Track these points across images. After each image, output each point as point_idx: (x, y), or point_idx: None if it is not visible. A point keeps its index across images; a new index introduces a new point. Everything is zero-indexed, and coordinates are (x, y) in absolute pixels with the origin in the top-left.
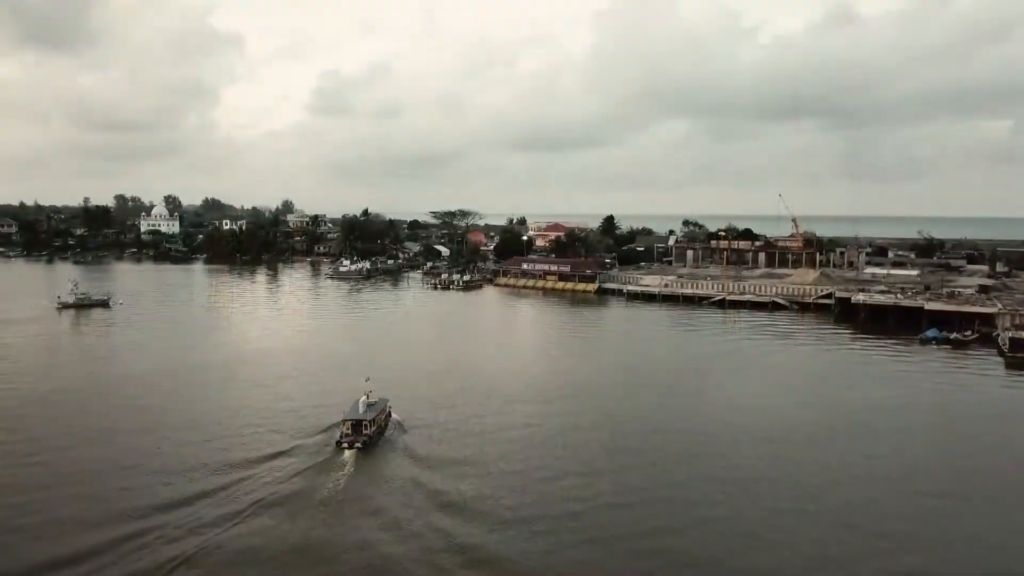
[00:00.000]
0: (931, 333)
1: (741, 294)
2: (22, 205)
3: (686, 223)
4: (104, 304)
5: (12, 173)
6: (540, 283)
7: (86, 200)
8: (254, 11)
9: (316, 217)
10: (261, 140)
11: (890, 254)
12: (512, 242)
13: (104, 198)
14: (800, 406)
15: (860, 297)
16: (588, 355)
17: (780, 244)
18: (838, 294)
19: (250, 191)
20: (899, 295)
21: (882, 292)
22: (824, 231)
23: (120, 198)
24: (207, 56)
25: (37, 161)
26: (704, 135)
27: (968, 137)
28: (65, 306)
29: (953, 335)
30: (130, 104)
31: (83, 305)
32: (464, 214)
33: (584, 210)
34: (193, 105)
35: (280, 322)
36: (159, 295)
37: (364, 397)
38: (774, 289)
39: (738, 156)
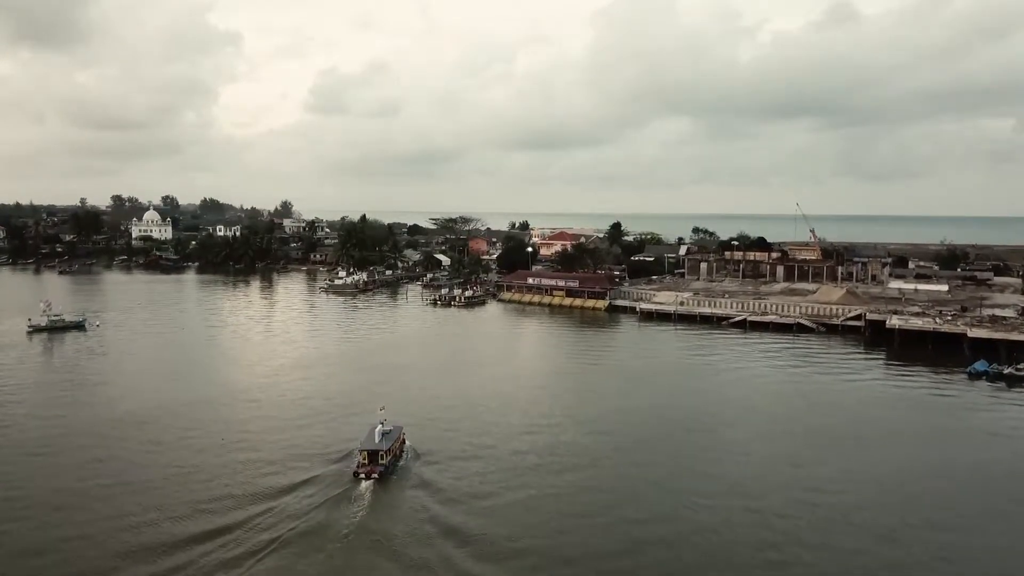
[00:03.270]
0: (980, 366)
1: (763, 314)
2: (17, 205)
3: (696, 230)
4: (79, 327)
5: (8, 172)
6: (547, 299)
7: (82, 201)
8: (253, 8)
9: (313, 223)
10: (260, 139)
11: (910, 264)
12: (516, 252)
13: (101, 198)
14: (851, 475)
15: (895, 321)
16: (600, 389)
17: (800, 257)
18: (869, 316)
19: (249, 190)
20: (937, 319)
21: (918, 315)
22: (826, 230)
23: (117, 198)
24: (205, 54)
25: (33, 160)
26: (704, 134)
27: (969, 136)
28: (37, 330)
29: (1007, 369)
30: (127, 102)
31: (56, 328)
32: (465, 220)
33: (585, 209)
34: (191, 103)
35: (275, 346)
36: (144, 312)
37: (379, 425)
38: (798, 309)
39: (738, 155)
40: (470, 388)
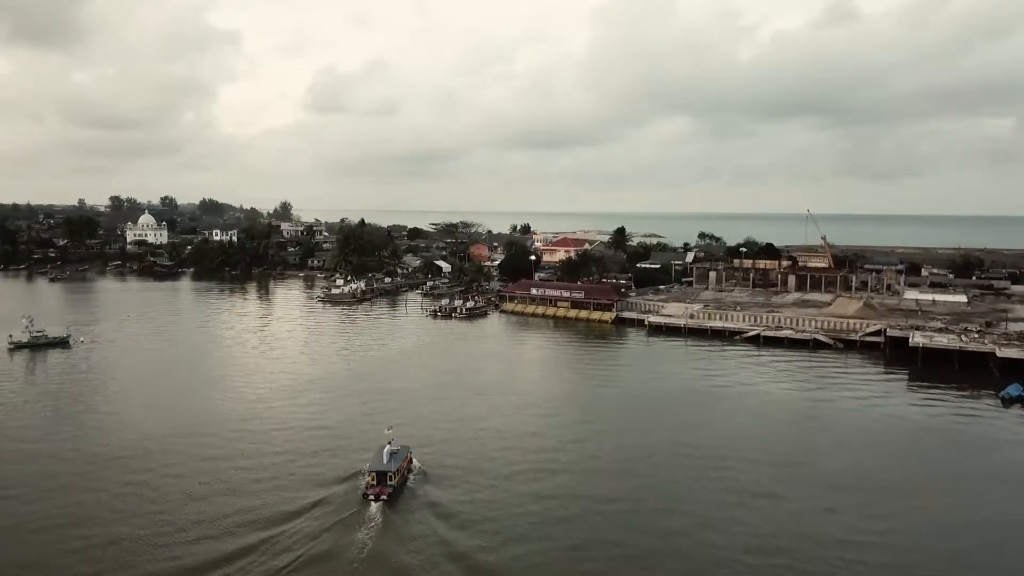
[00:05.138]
0: (1014, 391)
1: (777, 328)
2: (15, 206)
3: (701, 236)
4: (63, 343)
5: (7, 171)
6: (551, 310)
7: (81, 201)
8: (251, 7)
9: (311, 227)
10: (259, 138)
11: (923, 272)
12: (518, 259)
13: (100, 197)
14: (888, 525)
15: (918, 339)
16: (609, 417)
17: (811, 265)
18: (890, 332)
19: (249, 189)
20: (963, 336)
21: (941, 331)
22: (829, 230)
23: (115, 199)
24: (204, 53)
25: (31, 159)
26: (705, 133)
27: (968, 135)
28: (18, 347)
29: None
30: (125, 102)
31: (39, 345)
32: (466, 225)
33: (585, 208)
34: (190, 102)
35: (270, 364)
36: (134, 325)
37: (387, 446)
38: (814, 323)
39: (739, 154)
40: (473, 415)
